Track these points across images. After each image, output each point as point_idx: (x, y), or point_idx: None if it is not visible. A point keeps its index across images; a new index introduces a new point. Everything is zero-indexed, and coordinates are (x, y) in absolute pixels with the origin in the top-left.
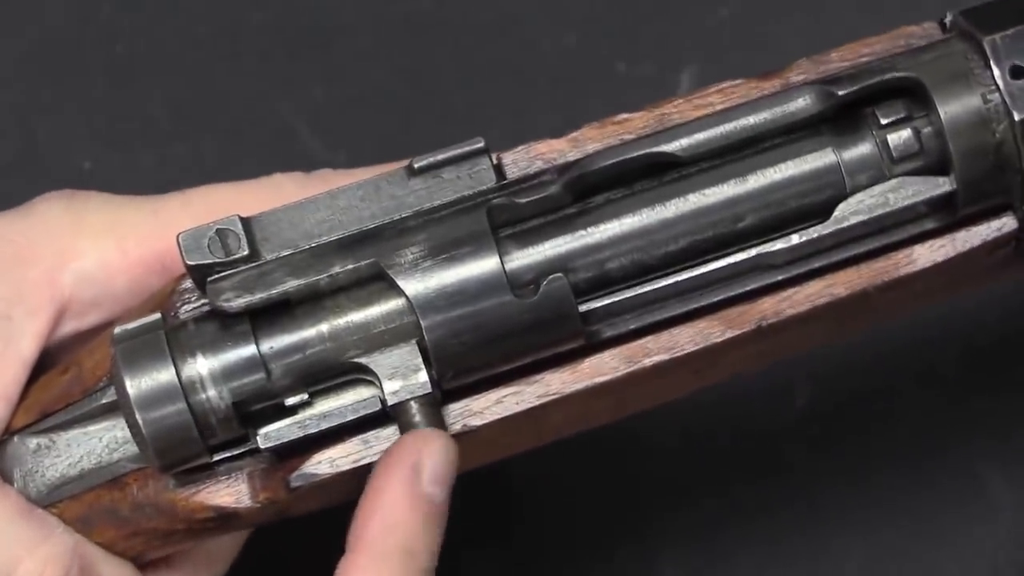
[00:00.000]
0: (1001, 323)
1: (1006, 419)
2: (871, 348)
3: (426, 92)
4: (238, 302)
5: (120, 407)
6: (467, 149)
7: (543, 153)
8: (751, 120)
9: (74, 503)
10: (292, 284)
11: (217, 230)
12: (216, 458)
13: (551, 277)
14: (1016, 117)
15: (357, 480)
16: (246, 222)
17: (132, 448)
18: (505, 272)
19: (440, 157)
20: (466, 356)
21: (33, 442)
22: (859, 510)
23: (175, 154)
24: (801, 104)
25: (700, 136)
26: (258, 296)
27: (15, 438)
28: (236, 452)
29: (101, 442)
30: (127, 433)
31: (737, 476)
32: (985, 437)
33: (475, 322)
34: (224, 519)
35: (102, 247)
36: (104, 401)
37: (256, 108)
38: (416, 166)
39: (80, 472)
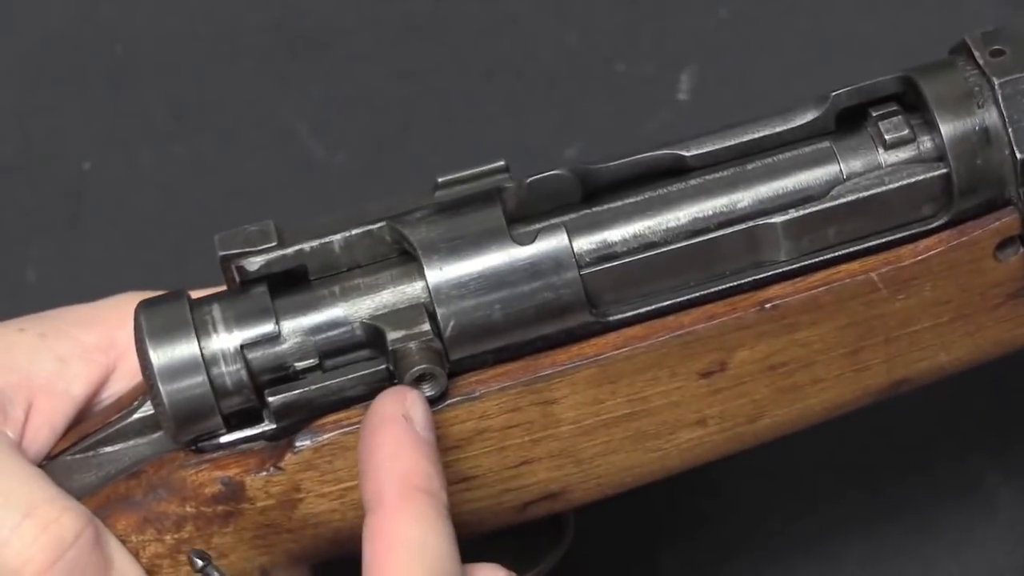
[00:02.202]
0: None
1: (1005, 417)
2: None
3: (426, 92)
4: (256, 260)
5: (143, 375)
6: (489, 167)
7: None
8: (758, 132)
9: (93, 498)
10: (307, 245)
11: (252, 229)
12: (231, 437)
13: (548, 223)
14: (995, 81)
15: None
16: (279, 227)
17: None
18: (508, 227)
19: (463, 174)
20: (469, 314)
21: (67, 461)
22: (859, 508)
23: (175, 154)
24: (804, 116)
25: (708, 144)
26: (275, 255)
27: (51, 462)
28: (250, 433)
29: (130, 457)
30: (155, 447)
31: (737, 475)
32: (984, 435)
33: (480, 282)
34: (231, 493)
35: None
36: (137, 416)
37: (256, 108)
38: (440, 180)
39: (106, 481)
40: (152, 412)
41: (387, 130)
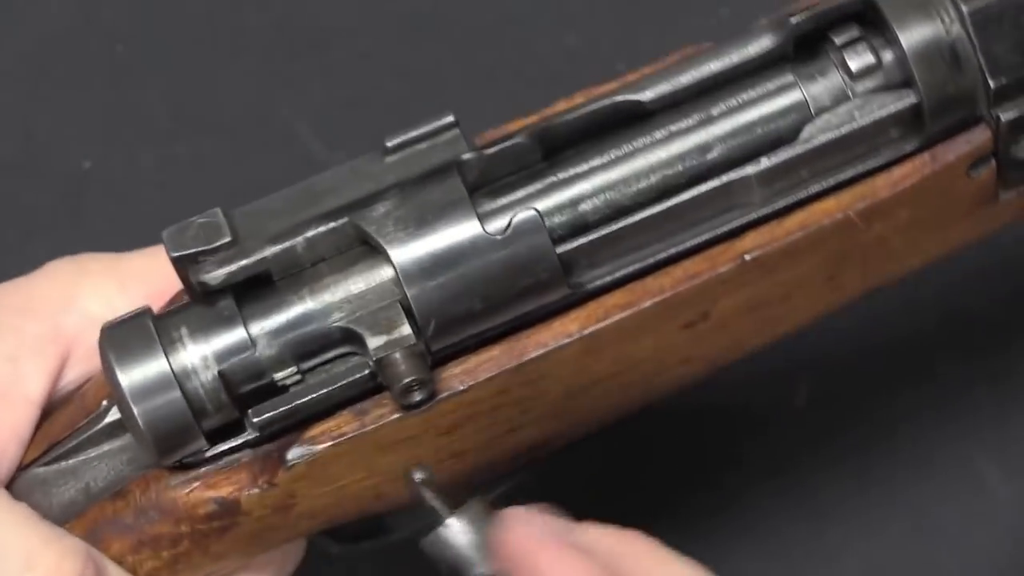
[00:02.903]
0: (1000, 321)
1: (1004, 415)
2: (870, 346)
3: (426, 92)
4: (218, 273)
5: (116, 401)
6: (438, 124)
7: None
8: (714, 66)
9: (80, 521)
10: (270, 251)
11: (200, 223)
12: (214, 451)
13: (521, 211)
14: (964, 9)
15: (359, 461)
16: (227, 214)
17: (135, 463)
18: (477, 213)
19: (413, 134)
20: (446, 302)
21: (41, 473)
22: (859, 507)
23: (175, 154)
24: (762, 44)
25: (664, 86)
26: (237, 265)
27: (24, 474)
28: (233, 444)
29: (106, 463)
30: (130, 451)
31: (737, 474)
32: (984, 433)
33: (450, 263)
34: (226, 511)
35: (103, 288)
36: (107, 421)
37: (256, 108)
38: (389, 144)
39: (88, 495)
40: (121, 416)
41: (387, 130)
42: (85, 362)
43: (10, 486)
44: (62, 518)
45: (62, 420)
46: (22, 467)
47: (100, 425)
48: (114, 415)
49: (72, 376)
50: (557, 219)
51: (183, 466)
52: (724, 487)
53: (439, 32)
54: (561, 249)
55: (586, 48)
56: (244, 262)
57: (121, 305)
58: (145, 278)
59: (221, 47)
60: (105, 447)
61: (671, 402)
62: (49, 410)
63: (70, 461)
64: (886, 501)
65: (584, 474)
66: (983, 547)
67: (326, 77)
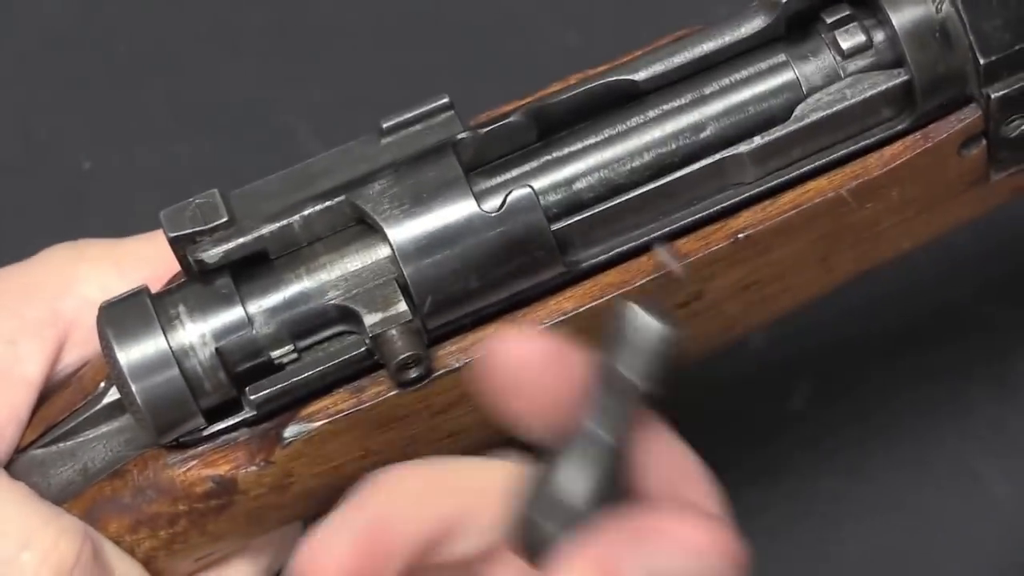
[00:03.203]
0: (1000, 320)
1: (1004, 416)
2: (870, 346)
3: (426, 92)
4: (216, 251)
5: (114, 380)
6: (433, 105)
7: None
8: (707, 46)
9: (78, 501)
10: (267, 229)
11: (197, 203)
12: (211, 430)
13: (516, 189)
14: None
15: (355, 439)
16: (225, 195)
17: (132, 444)
18: (473, 192)
19: (408, 115)
20: (442, 280)
21: (39, 455)
22: (858, 506)
23: (175, 154)
24: (754, 24)
25: (658, 66)
26: (234, 243)
27: (22, 456)
28: (231, 423)
29: (104, 445)
30: (128, 432)
31: (736, 474)
32: (983, 434)
33: (446, 240)
34: (223, 489)
35: (101, 272)
36: (105, 402)
37: (256, 108)
38: (384, 126)
39: (86, 477)
40: (119, 396)
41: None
42: (83, 346)
43: (8, 468)
44: (60, 499)
45: (60, 403)
46: (20, 449)
47: (98, 407)
48: (112, 396)
49: (70, 359)
50: (552, 197)
51: (180, 445)
52: (723, 487)
53: (439, 32)
54: (556, 227)
55: (586, 48)
56: (241, 240)
57: (119, 289)
58: (143, 262)
59: (221, 47)
60: (103, 428)
61: (668, 401)
62: (47, 393)
63: (68, 443)
64: (885, 501)
65: None
66: (983, 547)
67: (326, 77)
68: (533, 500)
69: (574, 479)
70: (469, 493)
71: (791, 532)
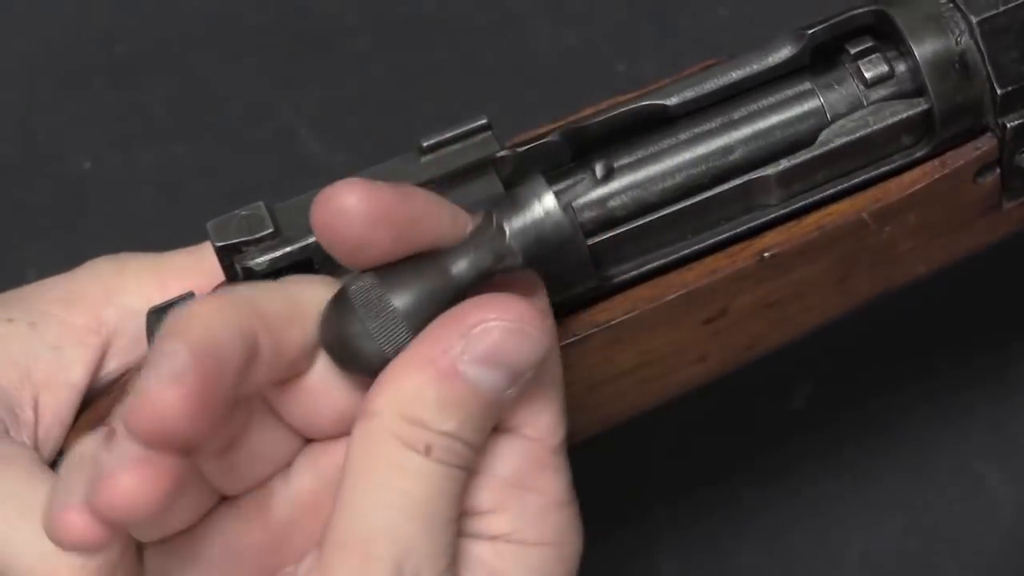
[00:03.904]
0: (1000, 321)
1: (1004, 416)
2: (870, 347)
3: (426, 92)
4: (262, 259)
5: None
6: (472, 125)
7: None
8: (735, 74)
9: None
10: (312, 239)
11: (243, 215)
12: None
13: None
14: (973, 20)
15: None
16: (270, 207)
17: None
18: None
19: (447, 135)
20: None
21: None
22: (858, 507)
23: (175, 154)
24: (781, 54)
25: (689, 92)
26: (281, 252)
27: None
28: None
29: None
30: None
31: (736, 474)
32: (983, 434)
33: None
34: None
35: (144, 284)
36: None
37: (256, 108)
38: (424, 144)
39: None
40: None
41: (387, 130)
42: (125, 354)
43: (52, 468)
44: None
45: (102, 408)
46: (64, 452)
47: None
48: None
49: (112, 367)
50: (587, 214)
51: None
52: (723, 487)
53: (439, 32)
54: (591, 242)
55: (586, 48)
56: (288, 249)
57: (159, 301)
58: (184, 275)
59: (221, 47)
60: None
61: (671, 403)
62: (90, 399)
63: None
64: (885, 501)
65: (584, 473)
66: (982, 547)
67: (326, 77)
68: (364, 312)
69: (412, 298)
70: (274, 316)
71: (791, 532)
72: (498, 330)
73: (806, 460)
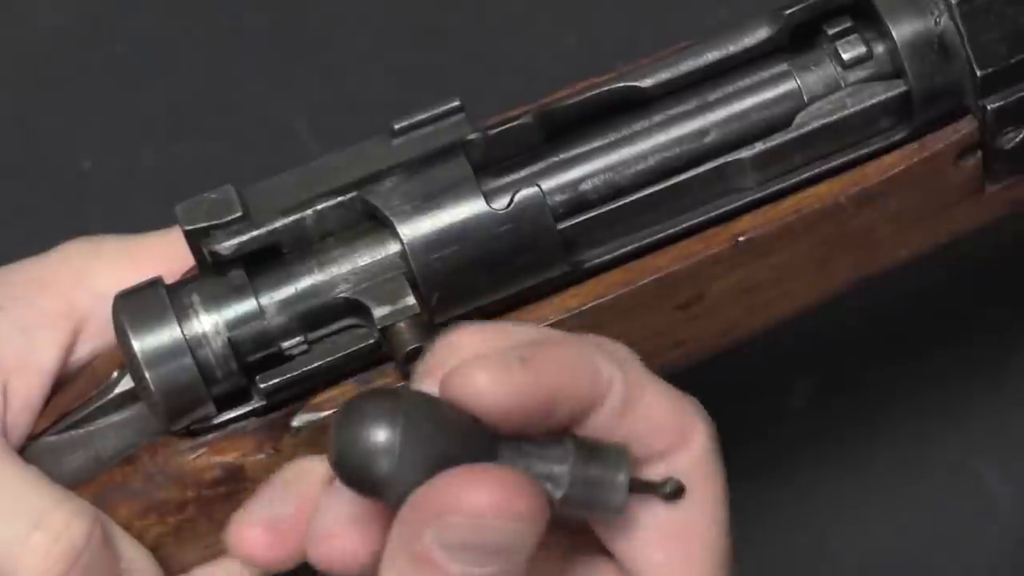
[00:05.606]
0: (999, 320)
1: (1004, 416)
2: (870, 347)
3: (426, 92)
4: (230, 243)
5: (128, 368)
6: (444, 108)
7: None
8: (711, 55)
9: (88, 487)
10: (280, 223)
11: (212, 198)
12: (221, 418)
13: (524, 187)
14: (952, 0)
15: None
16: (239, 191)
17: (144, 433)
18: (480, 189)
19: (419, 117)
20: (450, 275)
21: (52, 442)
22: (858, 506)
23: (175, 154)
24: (757, 35)
25: (664, 73)
26: (249, 236)
27: (36, 442)
28: (241, 412)
29: (115, 433)
30: (139, 421)
31: (736, 474)
32: (983, 434)
33: (454, 237)
34: (231, 476)
35: (116, 267)
36: (117, 391)
37: (256, 108)
38: (396, 127)
39: (97, 464)
40: (132, 386)
41: (387, 130)
42: (96, 338)
43: (22, 454)
44: (72, 484)
45: (73, 392)
46: (33, 436)
47: (110, 395)
48: (124, 386)
49: (83, 351)
50: (559, 197)
51: (191, 433)
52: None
53: (439, 32)
54: (562, 226)
55: (586, 48)
56: (255, 233)
57: (133, 284)
58: (157, 258)
59: (221, 47)
60: (115, 417)
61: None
62: (60, 383)
63: (80, 431)
64: (886, 501)
65: None
66: (982, 547)
67: (326, 77)
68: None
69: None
70: None
71: (791, 532)
72: (467, 521)
73: (806, 458)
